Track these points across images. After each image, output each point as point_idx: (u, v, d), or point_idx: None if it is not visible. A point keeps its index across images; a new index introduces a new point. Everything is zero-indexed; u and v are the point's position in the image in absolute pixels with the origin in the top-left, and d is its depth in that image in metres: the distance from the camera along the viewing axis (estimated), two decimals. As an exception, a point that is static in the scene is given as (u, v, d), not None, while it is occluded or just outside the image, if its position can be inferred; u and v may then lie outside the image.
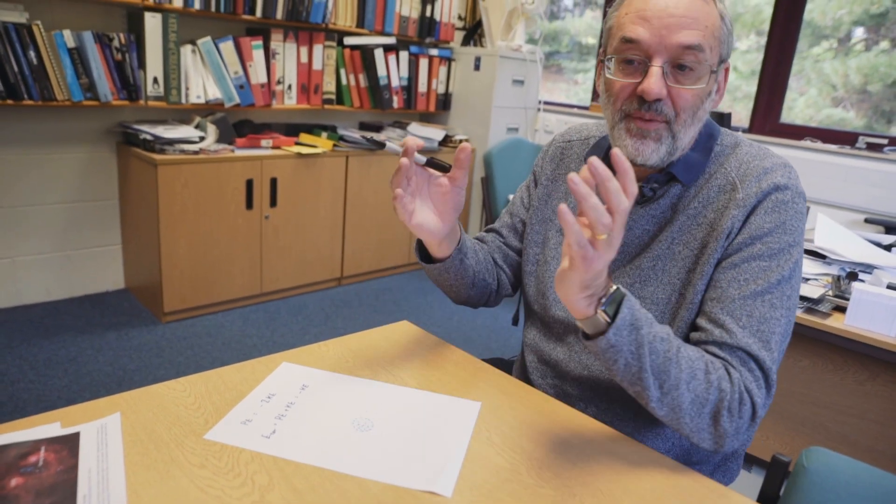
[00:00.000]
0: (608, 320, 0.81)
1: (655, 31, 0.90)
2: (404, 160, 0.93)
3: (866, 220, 2.96)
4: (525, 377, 1.20)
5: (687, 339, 0.97)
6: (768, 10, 3.33)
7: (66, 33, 2.58)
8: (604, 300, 0.80)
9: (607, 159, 1.09)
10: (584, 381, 1.08)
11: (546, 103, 4.28)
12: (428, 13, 3.85)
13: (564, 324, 1.12)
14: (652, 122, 0.94)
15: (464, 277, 1.14)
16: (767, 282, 0.90)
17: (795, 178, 0.96)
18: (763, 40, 3.37)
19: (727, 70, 0.99)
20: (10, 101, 2.49)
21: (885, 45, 3.13)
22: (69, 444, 0.79)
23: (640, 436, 1.05)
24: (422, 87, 3.94)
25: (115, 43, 2.71)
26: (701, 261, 0.96)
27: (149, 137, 2.80)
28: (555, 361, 1.13)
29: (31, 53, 2.49)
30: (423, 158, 0.98)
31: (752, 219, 0.93)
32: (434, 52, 3.94)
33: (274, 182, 3.13)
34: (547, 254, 1.16)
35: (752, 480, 1.80)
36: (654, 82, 0.90)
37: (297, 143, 3.35)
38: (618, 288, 0.82)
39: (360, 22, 3.55)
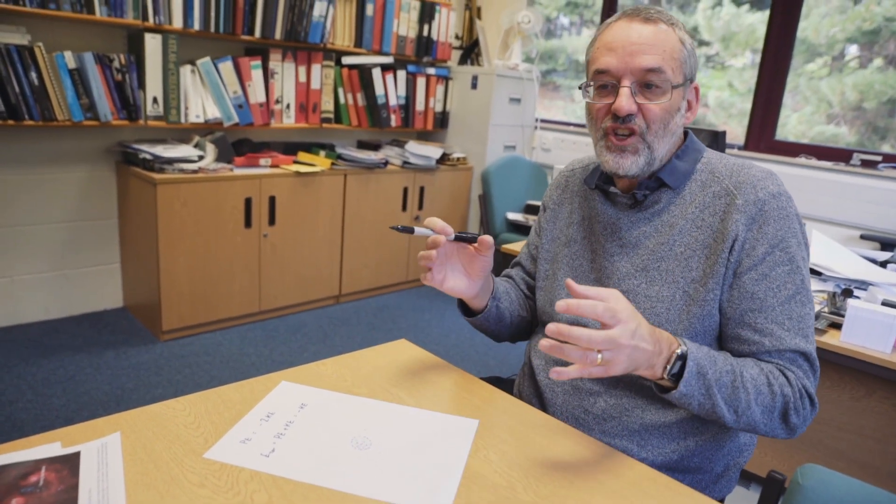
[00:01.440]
0: (673, 385, 0.92)
1: (620, 58, 1.03)
2: (439, 237, 1.04)
3: (861, 237, 2.98)
4: (532, 382, 1.21)
5: (701, 333, 1.05)
6: (762, 29, 3.37)
7: (67, 54, 2.61)
8: (668, 366, 0.92)
9: (602, 178, 1.14)
10: None
11: (543, 121, 4.31)
12: (425, 33, 3.89)
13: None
14: (628, 138, 1.05)
15: (502, 320, 1.24)
16: (795, 284, 1.02)
17: (782, 183, 1.07)
18: (758, 58, 3.41)
19: (697, 90, 1.10)
20: (11, 122, 2.51)
21: (878, 62, 3.17)
22: (70, 464, 0.80)
23: (647, 432, 1.07)
24: (419, 105, 3.97)
25: (116, 64, 2.74)
26: (709, 262, 1.04)
27: (148, 157, 2.81)
28: (564, 361, 1.14)
29: (33, 74, 2.52)
30: (452, 234, 1.06)
31: (764, 229, 1.02)
32: (431, 71, 3.97)
33: (272, 200, 3.15)
34: (555, 268, 1.22)
35: (749, 497, 1.80)
36: (623, 100, 1.02)
37: (296, 162, 3.37)
38: (680, 347, 0.92)
39: (358, 42, 3.59)
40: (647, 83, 1.02)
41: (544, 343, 0.84)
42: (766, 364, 1.00)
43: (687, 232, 1.07)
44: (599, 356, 0.84)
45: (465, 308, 1.22)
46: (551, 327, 0.82)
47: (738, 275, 1.03)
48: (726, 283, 1.03)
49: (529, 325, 1.33)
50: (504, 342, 1.34)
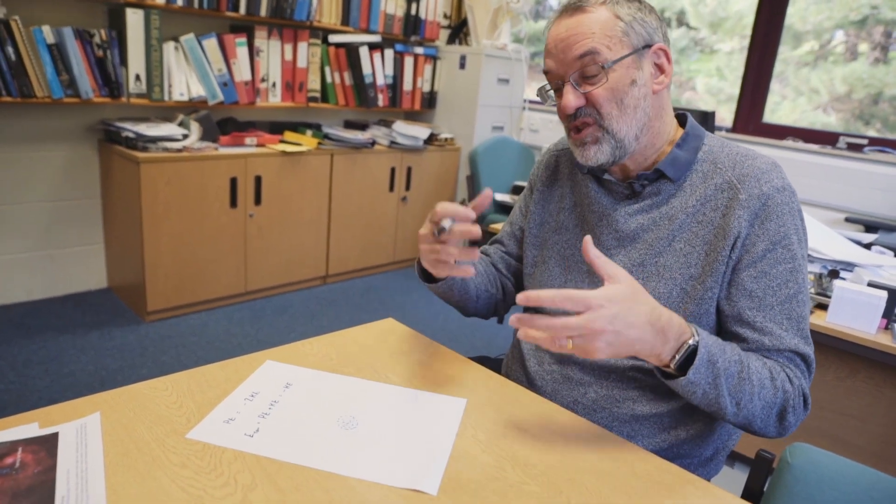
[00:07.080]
0: (680, 372, 0.89)
1: (556, 57, 1.02)
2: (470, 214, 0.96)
3: (847, 219, 2.99)
4: (522, 368, 1.19)
5: None
6: (750, 17, 3.35)
7: (46, 29, 2.54)
8: (677, 355, 0.89)
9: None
10: (587, 365, 1.09)
11: (531, 102, 4.28)
12: (413, 11, 3.84)
13: None
14: (583, 129, 1.03)
15: (467, 292, 1.20)
16: (796, 283, 0.99)
17: (786, 175, 1.03)
18: (745, 43, 3.39)
19: (665, 51, 1.03)
20: (-12, 98, 2.46)
21: (864, 48, 3.17)
22: (47, 445, 0.78)
23: (638, 423, 1.06)
24: (407, 85, 3.93)
25: (97, 39, 2.68)
26: (709, 259, 1.01)
27: (131, 135, 2.76)
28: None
29: (10, 49, 2.46)
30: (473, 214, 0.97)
31: (766, 224, 0.99)
32: (419, 50, 3.93)
33: (258, 180, 3.11)
34: (545, 254, 1.19)
35: (735, 476, 1.81)
36: (566, 98, 1.01)
37: (282, 141, 3.32)
38: (693, 337, 0.89)
39: (345, 20, 3.54)
40: (584, 73, 1.00)
41: (512, 318, 0.83)
42: (768, 359, 0.98)
43: (687, 227, 1.03)
44: (570, 342, 0.82)
45: (425, 274, 1.16)
46: (519, 296, 0.84)
47: (736, 271, 1.00)
48: (725, 281, 1.00)
49: (501, 303, 1.30)
50: (483, 318, 1.31)
